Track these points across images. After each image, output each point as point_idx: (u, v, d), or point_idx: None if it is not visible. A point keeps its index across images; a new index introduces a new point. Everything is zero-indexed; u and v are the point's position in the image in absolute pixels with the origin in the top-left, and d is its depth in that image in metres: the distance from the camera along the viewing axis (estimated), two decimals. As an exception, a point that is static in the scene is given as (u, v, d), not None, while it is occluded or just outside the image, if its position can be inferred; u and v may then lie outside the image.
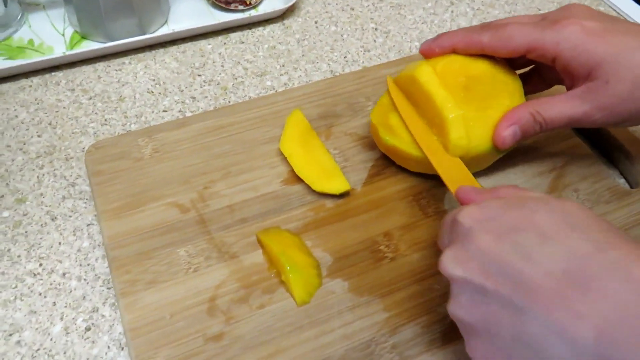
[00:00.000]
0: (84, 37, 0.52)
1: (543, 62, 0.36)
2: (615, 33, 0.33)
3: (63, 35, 0.52)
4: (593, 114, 0.34)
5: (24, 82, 0.49)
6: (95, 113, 0.47)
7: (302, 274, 0.34)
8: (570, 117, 0.34)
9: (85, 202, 0.41)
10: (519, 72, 0.39)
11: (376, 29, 0.56)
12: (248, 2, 0.56)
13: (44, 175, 0.42)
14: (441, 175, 0.36)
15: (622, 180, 0.43)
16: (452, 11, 0.58)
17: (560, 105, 0.34)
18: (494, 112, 0.36)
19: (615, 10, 0.59)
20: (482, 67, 0.37)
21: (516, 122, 0.35)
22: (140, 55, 0.52)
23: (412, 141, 0.38)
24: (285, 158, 0.41)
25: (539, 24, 0.35)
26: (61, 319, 0.35)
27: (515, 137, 0.35)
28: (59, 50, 0.51)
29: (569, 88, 0.36)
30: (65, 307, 0.35)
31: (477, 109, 0.36)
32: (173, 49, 0.52)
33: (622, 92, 0.32)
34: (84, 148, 0.44)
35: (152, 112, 0.47)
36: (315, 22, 0.56)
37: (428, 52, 0.39)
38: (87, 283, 0.37)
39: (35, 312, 0.35)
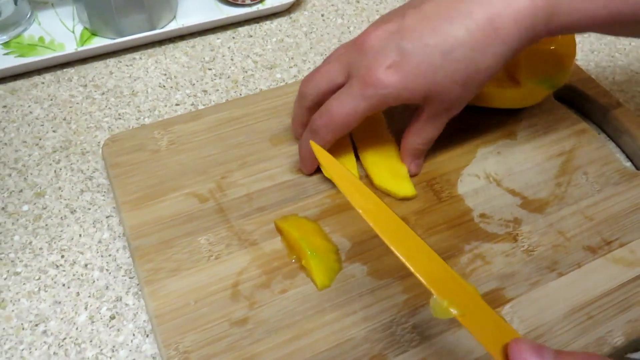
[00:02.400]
0: (94, 34, 0.52)
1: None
2: (418, 55, 0.33)
3: (73, 32, 0.52)
4: (455, 113, 0.37)
5: (36, 78, 0.49)
6: (109, 108, 0.47)
7: (323, 259, 0.35)
8: (442, 127, 0.38)
9: (103, 195, 0.41)
10: None
11: (382, 21, 0.57)
12: (255, -3, 0.56)
13: (61, 169, 0.43)
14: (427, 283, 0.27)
15: (629, 164, 0.44)
16: (456, 2, 0.59)
17: (428, 127, 0.37)
18: (547, 48, 0.41)
19: None
20: None
21: (413, 159, 0.40)
22: (150, 50, 0.52)
23: None
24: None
25: (351, 89, 0.35)
26: (85, 308, 0.35)
27: (419, 165, 0.40)
28: (69, 47, 0.51)
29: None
30: (89, 297, 0.36)
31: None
32: (182, 44, 0.53)
33: (457, 96, 0.35)
34: (99, 142, 0.44)
35: (165, 105, 0.48)
36: (322, 15, 0.57)
37: (312, 172, 0.40)
38: (110, 273, 0.37)
39: (59, 303, 0.36)
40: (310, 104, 0.38)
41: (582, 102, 0.47)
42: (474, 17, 0.32)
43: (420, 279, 0.27)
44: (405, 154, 0.40)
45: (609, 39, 0.56)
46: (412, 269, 0.27)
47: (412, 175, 0.40)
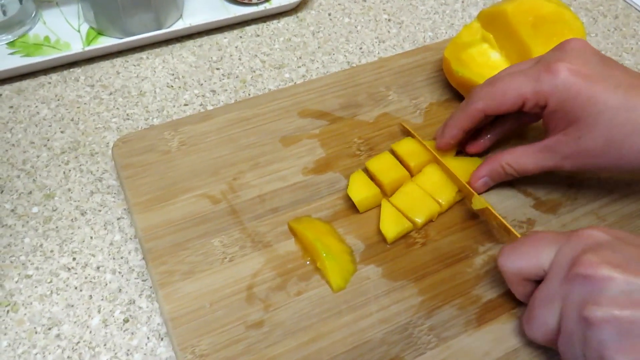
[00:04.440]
0: (100, 33, 0.52)
1: (533, 110, 0.36)
2: (606, 83, 0.32)
3: (79, 31, 0.52)
4: (563, 165, 0.35)
5: (42, 78, 0.49)
6: (117, 108, 0.47)
7: (338, 260, 0.35)
8: (542, 167, 0.36)
9: (113, 197, 0.41)
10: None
11: (389, 20, 0.57)
12: (261, -4, 0.56)
13: (70, 170, 0.42)
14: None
15: None
16: (463, 1, 0.59)
17: (531, 158, 0.36)
18: None
19: (635, 7, 0.60)
20: (548, 8, 0.42)
21: (487, 175, 0.38)
22: (157, 50, 0.52)
23: (483, 73, 0.42)
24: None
25: (531, 71, 0.34)
26: (99, 311, 0.35)
27: (486, 185, 0.39)
28: (75, 46, 0.50)
29: (546, 132, 0.36)
30: (102, 300, 0.36)
31: (543, 44, 0.41)
32: (189, 43, 0.53)
33: (592, 148, 0.33)
34: (108, 143, 0.44)
35: (174, 106, 0.47)
36: (329, 14, 0.57)
37: (445, 147, 0.40)
38: (122, 276, 0.37)
39: (72, 306, 0.35)
40: None
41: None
42: None
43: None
44: (487, 167, 0.38)
45: (616, 38, 0.56)
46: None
47: (475, 188, 0.38)
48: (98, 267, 0.37)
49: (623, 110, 0.31)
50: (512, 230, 0.35)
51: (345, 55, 0.53)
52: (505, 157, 0.37)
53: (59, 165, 0.42)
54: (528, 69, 0.35)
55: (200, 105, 0.47)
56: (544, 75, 0.33)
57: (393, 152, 0.41)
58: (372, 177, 0.39)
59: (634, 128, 0.31)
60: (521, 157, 0.36)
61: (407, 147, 0.40)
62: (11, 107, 0.46)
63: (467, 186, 0.38)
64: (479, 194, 0.38)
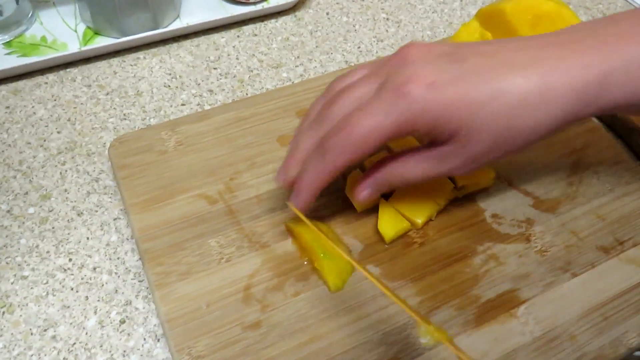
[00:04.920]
0: (97, 33, 0.51)
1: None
2: (465, 80, 0.29)
3: (76, 31, 0.52)
4: (454, 173, 0.32)
5: (39, 79, 0.48)
6: (114, 108, 0.46)
7: (335, 260, 0.35)
8: (430, 176, 0.32)
9: (110, 197, 0.41)
10: None
11: (387, 19, 0.56)
12: (259, -5, 0.56)
13: (66, 171, 0.42)
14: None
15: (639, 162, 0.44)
16: (462, 0, 0.59)
17: (419, 167, 0.32)
18: None
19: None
20: (547, 7, 0.42)
21: (372, 184, 0.33)
22: (154, 49, 0.52)
23: None
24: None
25: (381, 100, 0.29)
26: (95, 312, 0.35)
27: (371, 196, 0.34)
28: (72, 46, 0.50)
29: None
30: (98, 301, 0.35)
31: None
32: (187, 43, 0.52)
33: (481, 150, 0.30)
34: (105, 143, 0.44)
35: (171, 105, 0.47)
36: (327, 14, 0.56)
37: (306, 208, 0.33)
38: (119, 276, 0.37)
39: (68, 307, 0.35)
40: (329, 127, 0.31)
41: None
42: (533, 71, 0.29)
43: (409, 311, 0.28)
44: (373, 177, 0.33)
45: (615, 36, 0.56)
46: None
47: (356, 202, 0.35)
48: (94, 268, 0.37)
49: (494, 100, 0.28)
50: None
51: (343, 55, 0.52)
52: (390, 165, 0.32)
53: (56, 166, 0.42)
54: (376, 99, 0.30)
55: (198, 105, 0.47)
56: (398, 102, 0.29)
57: (389, 149, 0.40)
58: None
59: (513, 112, 0.29)
60: (407, 166, 0.32)
61: (401, 142, 0.40)
62: (7, 107, 0.46)
63: (413, 314, 0.28)
64: (361, 204, 0.34)
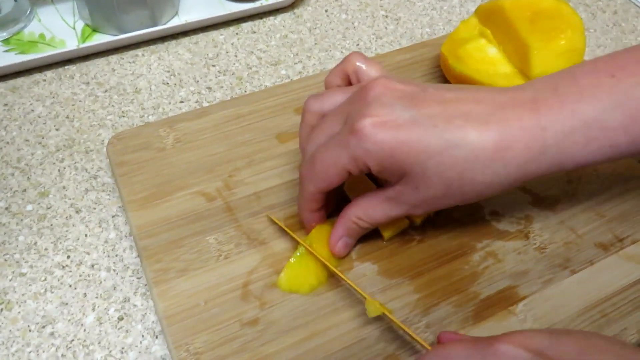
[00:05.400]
0: (95, 30, 0.51)
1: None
2: (420, 128, 0.29)
3: (74, 28, 0.52)
4: (413, 212, 0.32)
5: (37, 76, 0.48)
6: (112, 105, 0.46)
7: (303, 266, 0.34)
8: (391, 217, 0.33)
9: (108, 194, 0.41)
10: None
11: (386, 16, 0.56)
12: (258, -8, 0.56)
13: (64, 168, 0.42)
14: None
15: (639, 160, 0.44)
16: (461, -3, 0.59)
17: (378, 209, 0.33)
18: (557, 43, 0.41)
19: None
20: (546, 3, 0.43)
21: (343, 234, 0.34)
22: (153, 47, 0.51)
23: (480, 69, 0.43)
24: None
25: (340, 138, 0.30)
26: (93, 309, 0.35)
27: (347, 246, 0.35)
28: (70, 43, 0.50)
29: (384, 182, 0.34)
30: (97, 297, 0.35)
31: (540, 40, 0.41)
32: (185, 40, 0.52)
33: (433, 195, 0.30)
34: (103, 140, 0.44)
35: (169, 103, 0.47)
36: (326, 11, 0.56)
37: (312, 228, 0.36)
38: (117, 273, 0.37)
39: (66, 304, 0.35)
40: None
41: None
42: (490, 127, 0.29)
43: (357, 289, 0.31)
44: (341, 226, 0.34)
45: (615, 34, 0.56)
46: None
47: (336, 256, 0.35)
48: (92, 265, 0.37)
49: (445, 151, 0.28)
50: (420, 340, 0.30)
51: (342, 52, 0.52)
52: (353, 211, 0.33)
53: (54, 163, 0.42)
54: (337, 136, 0.31)
55: (196, 102, 0.47)
56: (351, 139, 0.29)
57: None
58: (368, 174, 0.39)
59: (465, 166, 0.29)
60: (369, 209, 0.33)
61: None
62: (5, 104, 0.46)
63: (359, 290, 0.32)
64: (341, 256, 0.35)
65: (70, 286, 0.36)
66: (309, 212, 0.35)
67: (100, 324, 0.34)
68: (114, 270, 0.37)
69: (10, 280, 0.36)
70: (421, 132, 0.28)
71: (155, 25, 0.51)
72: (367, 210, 0.33)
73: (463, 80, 0.43)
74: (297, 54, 0.52)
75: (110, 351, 0.33)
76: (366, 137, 0.29)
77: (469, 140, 0.28)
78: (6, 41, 0.50)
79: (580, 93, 0.29)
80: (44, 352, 0.33)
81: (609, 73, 0.29)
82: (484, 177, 0.29)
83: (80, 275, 0.36)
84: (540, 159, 0.29)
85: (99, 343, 0.34)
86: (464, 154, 0.28)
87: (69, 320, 0.34)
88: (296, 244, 0.36)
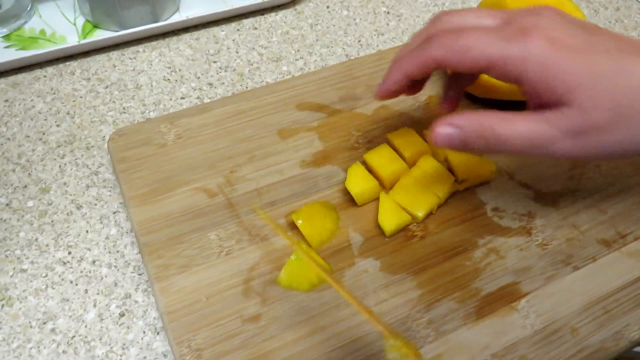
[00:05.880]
0: (96, 26, 0.51)
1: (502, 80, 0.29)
2: (592, 51, 0.27)
3: (75, 24, 0.51)
4: (560, 140, 0.28)
5: (38, 72, 0.48)
6: (113, 102, 0.46)
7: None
8: (531, 140, 0.28)
9: (109, 190, 0.40)
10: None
11: (388, 13, 0.56)
12: (259, -12, 0.55)
13: (65, 164, 0.42)
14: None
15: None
16: (463, -7, 0.59)
17: (521, 124, 0.28)
18: None
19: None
20: (549, 0, 0.41)
21: (458, 126, 0.29)
22: (154, 43, 0.51)
23: None
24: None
25: (501, 31, 0.28)
26: (94, 305, 0.35)
27: (450, 141, 0.29)
28: (71, 39, 0.50)
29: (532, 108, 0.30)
30: (98, 294, 0.35)
31: None
32: (186, 36, 0.52)
33: (598, 121, 0.27)
34: (104, 137, 0.44)
35: (170, 99, 0.47)
36: (327, 7, 0.56)
37: (385, 96, 0.33)
38: (118, 270, 0.36)
39: (67, 300, 0.35)
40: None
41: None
42: None
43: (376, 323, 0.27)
44: (463, 120, 0.29)
45: (617, 30, 0.56)
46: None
47: (432, 138, 0.30)
48: (94, 261, 0.37)
49: (623, 74, 0.27)
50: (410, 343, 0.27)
51: (343, 48, 0.52)
52: (489, 116, 0.29)
53: (55, 159, 0.42)
54: (497, 28, 0.29)
55: (197, 98, 0.47)
56: (517, 39, 0.27)
57: (388, 142, 0.40)
58: (370, 170, 0.39)
59: (636, 94, 0.27)
60: (509, 122, 0.28)
61: (403, 137, 0.40)
62: (6, 100, 0.46)
63: (381, 327, 0.27)
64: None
65: (71, 282, 0.36)
66: (402, 75, 0.31)
67: (102, 320, 0.34)
68: (115, 266, 0.37)
69: (11, 276, 0.36)
70: (594, 55, 0.27)
71: (156, 21, 0.51)
72: (503, 119, 0.28)
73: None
74: (298, 50, 0.51)
75: (111, 347, 0.33)
76: (535, 46, 0.27)
77: (637, 77, 0.27)
78: (7, 37, 0.50)
79: None
80: (45, 348, 0.33)
81: None
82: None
83: (81, 272, 0.36)
84: None
85: (100, 339, 0.34)
86: (636, 83, 0.27)
87: (70, 316, 0.34)
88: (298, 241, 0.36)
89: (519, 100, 0.44)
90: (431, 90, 0.46)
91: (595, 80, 0.27)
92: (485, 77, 0.42)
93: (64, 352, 0.33)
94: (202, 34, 0.52)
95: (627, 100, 0.27)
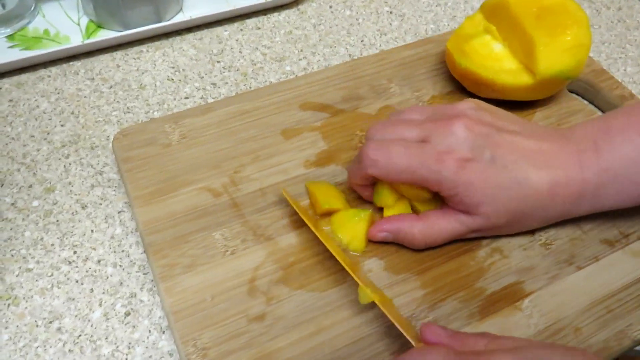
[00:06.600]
0: (99, 26, 0.51)
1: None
2: (493, 168, 0.33)
3: (78, 24, 0.52)
4: (470, 234, 0.36)
5: (42, 72, 0.48)
6: (117, 101, 0.46)
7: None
8: (451, 235, 0.35)
9: (114, 190, 0.41)
10: None
11: (391, 12, 0.56)
12: (262, -12, 0.56)
13: (70, 164, 0.42)
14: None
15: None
16: (465, -7, 0.59)
17: (444, 225, 0.35)
18: (562, 39, 0.41)
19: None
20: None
21: (392, 231, 0.36)
22: (157, 43, 0.51)
23: (485, 64, 0.43)
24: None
25: (421, 153, 0.33)
26: (100, 305, 0.35)
27: (385, 239, 0.36)
28: (75, 39, 0.50)
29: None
30: (103, 293, 0.36)
31: (546, 36, 0.41)
32: (190, 36, 0.52)
33: (498, 223, 0.35)
34: (108, 136, 0.44)
35: (174, 99, 0.47)
36: (330, 7, 0.56)
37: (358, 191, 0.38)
38: (123, 269, 0.37)
39: (73, 299, 0.35)
40: None
41: (594, 94, 0.47)
42: (545, 173, 0.34)
43: (352, 274, 0.33)
44: (394, 225, 0.36)
45: (619, 30, 0.56)
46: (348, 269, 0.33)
47: (371, 238, 0.36)
48: (99, 261, 0.37)
49: (518, 186, 0.33)
50: (406, 334, 0.30)
51: (346, 48, 0.52)
52: (417, 225, 0.35)
53: (59, 159, 0.42)
54: (420, 148, 0.34)
55: (201, 98, 0.47)
56: (433, 163, 0.33)
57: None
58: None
59: (527, 201, 0.34)
60: (434, 224, 0.35)
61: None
62: (11, 100, 0.46)
63: (354, 275, 0.33)
64: (373, 241, 0.36)
65: (76, 282, 0.36)
66: (353, 184, 0.38)
67: (107, 319, 0.34)
68: (121, 265, 0.37)
69: (17, 275, 0.36)
70: (495, 172, 0.33)
71: (159, 21, 0.51)
72: (432, 224, 0.35)
73: (468, 76, 0.43)
74: (301, 50, 0.52)
75: (117, 346, 0.33)
76: (448, 168, 0.33)
77: (531, 181, 0.34)
78: (11, 37, 0.50)
79: (613, 150, 0.34)
80: (51, 347, 0.33)
81: (637, 130, 0.34)
82: (543, 212, 0.35)
83: (86, 271, 0.36)
84: (580, 202, 0.35)
85: (106, 338, 0.34)
86: (527, 191, 0.34)
87: (76, 315, 0.35)
88: (303, 240, 0.36)
89: (518, 101, 0.44)
90: (434, 90, 0.46)
91: (495, 193, 0.33)
92: (486, 77, 0.42)
93: (70, 351, 0.33)
94: (206, 34, 0.53)
95: (521, 206, 0.34)
